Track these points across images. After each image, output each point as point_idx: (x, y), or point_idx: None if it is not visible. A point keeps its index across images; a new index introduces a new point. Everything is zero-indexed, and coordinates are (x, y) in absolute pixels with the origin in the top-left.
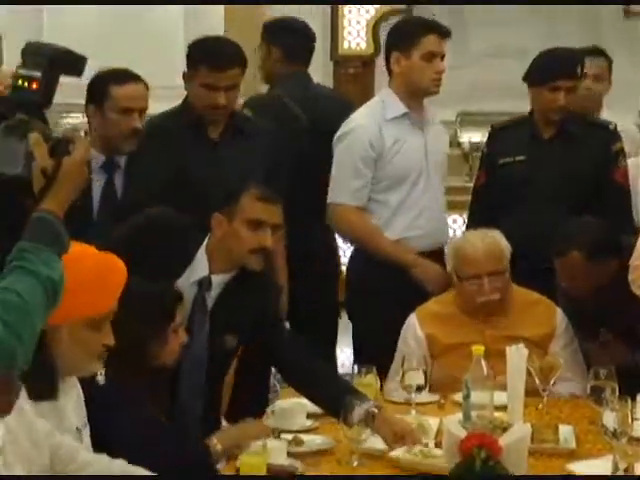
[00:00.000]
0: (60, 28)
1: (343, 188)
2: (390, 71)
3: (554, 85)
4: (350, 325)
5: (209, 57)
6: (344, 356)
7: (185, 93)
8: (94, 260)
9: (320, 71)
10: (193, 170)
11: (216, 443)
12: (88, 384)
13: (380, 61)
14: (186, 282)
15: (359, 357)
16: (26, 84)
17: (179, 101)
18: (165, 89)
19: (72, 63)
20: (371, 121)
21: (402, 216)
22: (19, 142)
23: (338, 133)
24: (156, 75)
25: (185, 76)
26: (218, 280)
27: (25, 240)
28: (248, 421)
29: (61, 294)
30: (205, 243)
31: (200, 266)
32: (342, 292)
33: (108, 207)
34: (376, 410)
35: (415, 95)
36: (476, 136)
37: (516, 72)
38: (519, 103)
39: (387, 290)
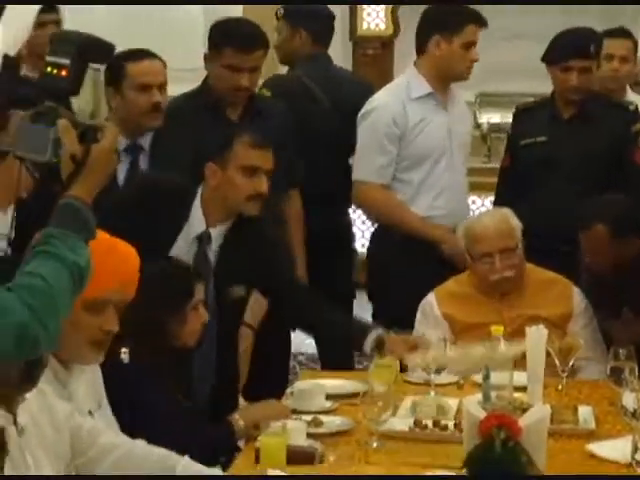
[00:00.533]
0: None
1: (368, 166)
2: (421, 51)
3: (566, 65)
4: (368, 306)
5: (234, 38)
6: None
7: (205, 75)
8: (102, 243)
9: (339, 52)
10: (211, 151)
11: (238, 419)
12: (112, 362)
13: (399, 42)
14: (185, 240)
15: None
16: (55, 71)
17: (199, 83)
18: (185, 71)
19: (100, 50)
20: (395, 99)
21: (424, 195)
22: (47, 129)
23: (362, 111)
24: (176, 57)
25: (207, 57)
26: (216, 232)
27: (52, 226)
28: (269, 401)
29: (87, 280)
30: (199, 196)
31: (196, 221)
32: (361, 273)
33: None
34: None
35: (446, 79)
36: (495, 117)
37: (535, 52)
38: (538, 84)
39: (409, 270)
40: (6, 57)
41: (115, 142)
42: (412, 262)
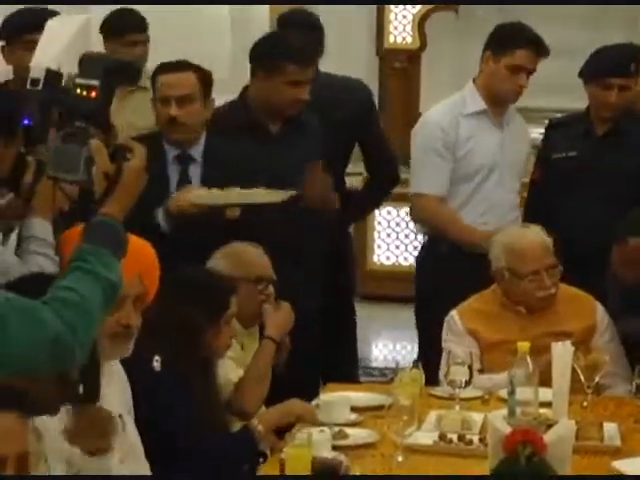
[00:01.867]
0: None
1: (424, 178)
2: (480, 66)
3: (605, 82)
4: (385, 321)
5: (295, 55)
6: (386, 350)
7: (234, 86)
8: None
9: (365, 66)
10: (255, 166)
11: (257, 424)
12: (144, 369)
13: (427, 56)
14: None
15: (425, 350)
16: (85, 92)
17: (225, 94)
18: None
19: (127, 72)
20: (448, 113)
21: (470, 210)
22: (79, 149)
23: (416, 127)
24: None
25: (260, 75)
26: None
27: (86, 242)
28: (289, 402)
29: (118, 297)
30: None
31: None
32: (405, 286)
33: None
34: None
35: (492, 97)
36: None
37: (566, 68)
38: (570, 100)
39: (455, 283)
40: (49, 71)
41: (144, 160)
42: (459, 275)
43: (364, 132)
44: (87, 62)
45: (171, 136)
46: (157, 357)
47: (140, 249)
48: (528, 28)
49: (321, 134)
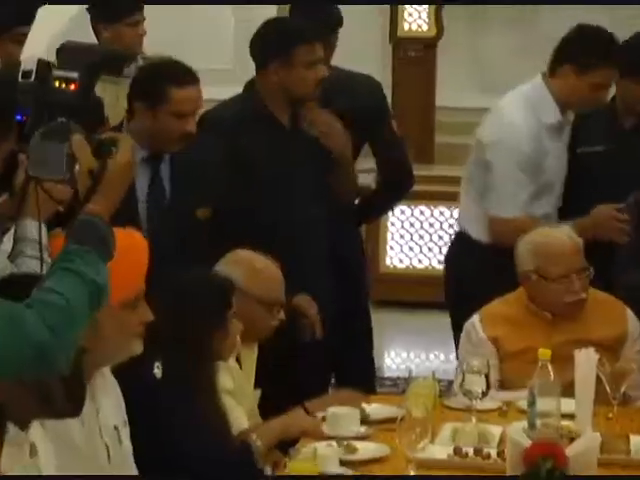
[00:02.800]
0: None
1: (509, 200)
2: (552, 71)
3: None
4: (398, 328)
5: (303, 33)
6: (399, 359)
7: (237, 76)
8: (120, 240)
9: (378, 54)
10: (265, 161)
11: (256, 439)
12: (145, 377)
13: (443, 44)
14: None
15: None
16: (64, 85)
17: (226, 84)
18: (213, 72)
19: (111, 62)
20: (531, 120)
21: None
22: (60, 146)
23: (493, 137)
24: (205, 58)
25: (275, 65)
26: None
27: (71, 242)
28: (294, 412)
29: (105, 300)
30: None
31: None
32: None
33: (156, 203)
34: None
35: (566, 110)
36: None
37: None
38: None
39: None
40: (40, 62)
41: (130, 154)
42: (492, 277)
43: (374, 133)
44: (66, 53)
45: (175, 148)
46: (157, 364)
47: (142, 248)
48: (612, 38)
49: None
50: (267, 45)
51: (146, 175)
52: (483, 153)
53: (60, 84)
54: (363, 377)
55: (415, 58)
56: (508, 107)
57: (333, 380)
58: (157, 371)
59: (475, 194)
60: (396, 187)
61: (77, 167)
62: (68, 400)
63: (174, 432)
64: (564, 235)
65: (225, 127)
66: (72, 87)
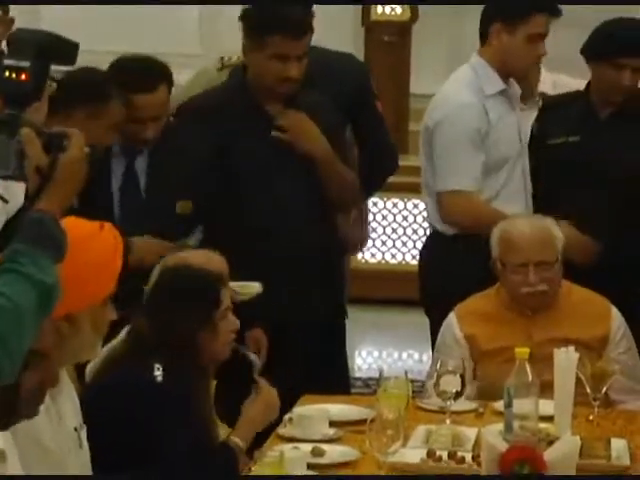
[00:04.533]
0: None
1: (457, 174)
2: (483, 39)
3: (617, 62)
4: (369, 326)
5: (282, 24)
6: (370, 358)
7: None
8: (100, 237)
9: (350, 38)
10: (250, 153)
11: (238, 441)
12: (145, 381)
13: (418, 28)
14: None
15: None
16: (14, 75)
17: (194, 69)
18: (180, 57)
19: (63, 50)
20: (473, 98)
21: (503, 204)
22: (9, 140)
23: (437, 115)
24: (172, 43)
25: (246, 48)
26: None
27: (18, 242)
28: (253, 400)
29: (55, 302)
30: None
31: None
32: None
33: (130, 197)
34: None
35: (508, 75)
36: None
37: (568, 43)
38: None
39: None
40: None
41: (83, 149)
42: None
43: (359, 114)
44: (17, 40)
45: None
46: (158, 365)
47: (120, 243)
48: None
49: (337, 121)
50: (250, 27)
51: (121, 165)
52: (430, 138)
53: (10, 74)
54: (338, 378)
55: (389, 43)
56: (448, 87)
57: None
58: (158, 373)
59: (431, 199)
60: (379, 171)
61: (26, 163)
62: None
63: (161, 436)
64: (528, 225)
65: (210, 117)
66: (23, 77)
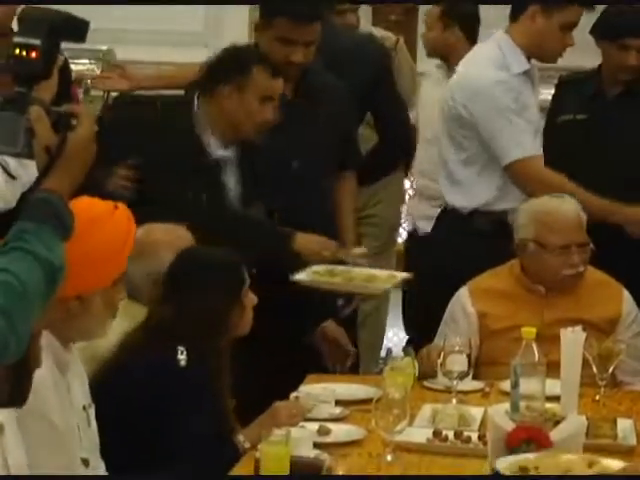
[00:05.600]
0: None
1: (517, 143)
2: (514, 17)
3: (622, 43)
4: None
5: (291, 7)
6: None
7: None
8: (113, 219)
9: None
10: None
11: (244, 440)
12: (168, 365)
13: (425, 7)
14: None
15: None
16: (24, 53)
17: (198, 48)
18: (184, 35)
19: (74, 28)
20: (500, 71)
21: None
22: (18, 118)
23: (468, 92)
24: (175, 20)
25: (256, 27)
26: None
27: (25, 220)
28: (274, 409)
29: (61, 281)
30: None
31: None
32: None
33: None
34: None
35: (536, 57)
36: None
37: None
38: (581, 57)
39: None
40: None
41: (92, 129)
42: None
43: (376, 95)
44: (28, 18)
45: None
46: (181, 348)
47: (132, 223)
48: None
49: (349, 105)
50: (262, 6)
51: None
52: (459, 114)
53: (20, 52)
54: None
55: (396, 22)
56: (473, 68)
57: None
58: (181, 357)
59: (448, 176)
60: (396, 151)
61: (35, 141)
62: (12, 389)
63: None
64: (569, 206)
65: None
66: (33, 55)
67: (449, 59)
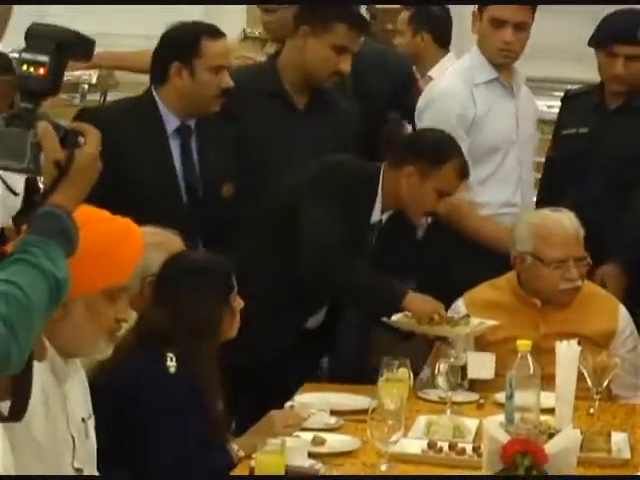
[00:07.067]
0: None
1: None
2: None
3: (610, 50)
4: None
5: (352, 15)
6: None
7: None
8: (109, 225)
9: None
10: (275, 142)
11: (238, 449)
12: (157, 372)
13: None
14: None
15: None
16: (32, 69)
17: None
18: None
19: (80, 46)
20: (459, 86)
21: (489, 193)
22: (25, 133)
23: (421, 103)
24: (174, 9)
25: (307, 31)
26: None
27: (31, 234)
28: (269, 418)
29: (64, 296)
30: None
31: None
32: None
33: (190, 174)
34: None
35: (488, 61)
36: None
37: (578, 33)
38: (583, 69)
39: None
40: None
41: (98, 147)
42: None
43: (399, 108)
44: (35, 35)
45: (215, 108)
46: (171, 355)
47: (139, 238)
48: None
49: (355, 117)
50: (314, 10)
51: (177, 145)
52: (418, 121)
53: (28, 68)
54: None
55: (393, 32)
56: (439, 80)
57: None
58: (170, 363)
59: None
60: None
61: (42, 156)
62: (12, 403)
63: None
64: (568, 220)
65: (240, 98)
66: (41, 72)
67: (418, 64)
